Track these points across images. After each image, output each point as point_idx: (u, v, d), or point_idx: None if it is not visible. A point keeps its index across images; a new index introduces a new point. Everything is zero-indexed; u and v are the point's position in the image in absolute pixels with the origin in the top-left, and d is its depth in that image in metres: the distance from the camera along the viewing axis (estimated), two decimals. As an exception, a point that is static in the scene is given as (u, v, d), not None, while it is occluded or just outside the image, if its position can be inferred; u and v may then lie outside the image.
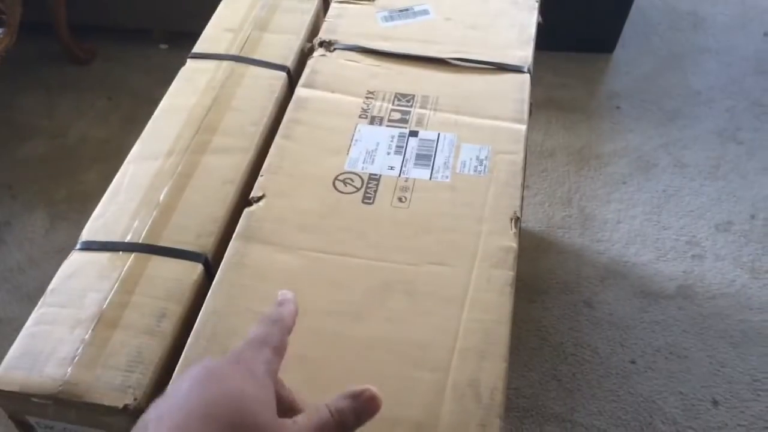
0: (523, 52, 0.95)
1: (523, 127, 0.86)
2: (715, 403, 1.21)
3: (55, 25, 1.87)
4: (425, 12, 1.02)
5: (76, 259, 0.74)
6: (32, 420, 0.66)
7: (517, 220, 0.75)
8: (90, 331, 0.67)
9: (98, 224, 0.77)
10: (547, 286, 1.36)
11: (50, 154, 1.74)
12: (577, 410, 1.20)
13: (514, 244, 0.73)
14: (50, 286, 0.72)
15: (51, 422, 0.66)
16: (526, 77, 0.92)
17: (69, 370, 0.64)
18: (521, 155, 0.83)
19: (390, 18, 1.01)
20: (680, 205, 1.53)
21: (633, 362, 1.26)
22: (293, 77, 0.97)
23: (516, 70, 0.93)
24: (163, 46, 2.02)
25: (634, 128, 1.70)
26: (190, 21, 1.93)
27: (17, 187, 1.66)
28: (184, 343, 0.67)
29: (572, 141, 1.67)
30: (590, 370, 1.25)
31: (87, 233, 0.77)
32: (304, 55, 1.00)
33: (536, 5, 1.03)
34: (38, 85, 1.91)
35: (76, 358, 0.65)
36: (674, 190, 1.56)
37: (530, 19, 1.01)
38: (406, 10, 1.02)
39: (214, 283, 0.70)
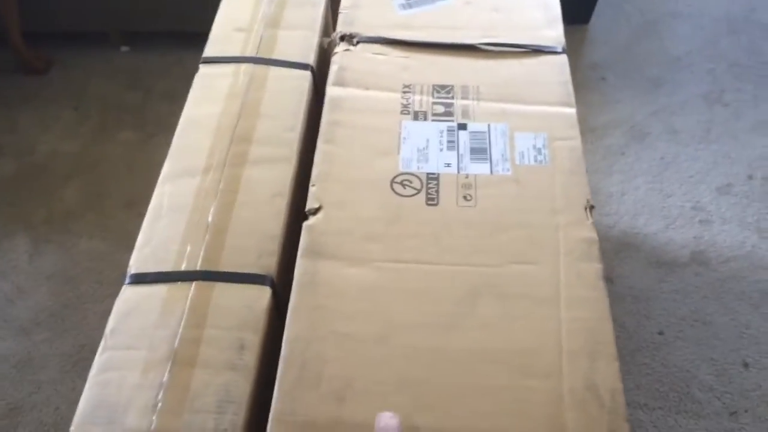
0: (554, 32, 0.92)
1: (574, 111, 0.83)
2: (746, 365, 1.22)
3: (8, 32, 1.74)
4: (443, -3, 0.98)
5: (129, 294, 0.68)
6: (112, 476, 0.61)
7: (591, 208, 0.73)
8: (167, 373, 0.61)
9: (145, 253, 0.71)
10: (564, 265, 1.35)
11: (20, 173, 1.63)
12: (614, 387, 1.19)
13: (595, 235, 0.71)
14: (109, 327, 0.66)
15: (136, 477, 0.60)
16: (564, 58, 0.89)
17: (154, 419, 0.58)
18: (579, 140, 0.80)
19: (408, 5, 0.96)
20: (679, 171, 1.53)
21: (661, 333, 1.26)
22: (316, 75, 0.92)
23: (551, 51, 0.90)
24: (124, 48, 1.91)
25: (621, 98, 1.70)
26: (149, 21, 1.85)
27: (-10, 212, 1.55)
28: (269, 374, 0.62)
29: (564, 116, 1.66)
30: (621, 346, 1.24)
31: (135, 264, 0.70)
32: (323, 51, 0.95)
33: (555, -18, 1.00)
34: (-5, 100, 1.79)
35: (159, 404, 0.59)
36: (671, 157, 1.56)
37: (553, -4, 0.98)
38: (425, -4, 0.98)
39: (290, 307, 0.65)
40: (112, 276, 1.41)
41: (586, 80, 1.76)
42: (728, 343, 1.25)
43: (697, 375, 1.21)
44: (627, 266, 1.37)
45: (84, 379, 1.24)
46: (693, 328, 1.27)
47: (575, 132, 0.81)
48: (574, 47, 1.85)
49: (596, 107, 1.68)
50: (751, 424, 1.16)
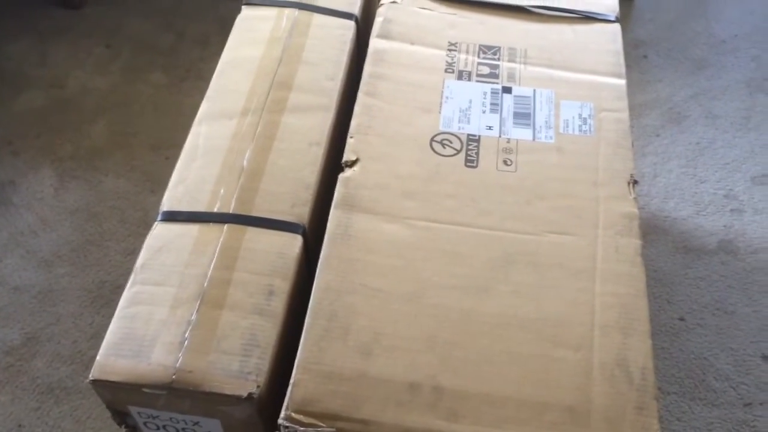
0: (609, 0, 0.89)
1: (624, 82, 0.81)
2: (765, 358, 1.20)
3: (45, -35, 1.73)
4: (496, -45, 0.95)
5: (161, 231, 0.68)
6: (134, 410, 0.61)
7: (635, 183, 0.71)
8: (195, 312, 0.61)
9: (179, 192, 0.71)
10: (590, 242, 1.33)
11: (49, 106, 1.62)
12: (629, 368, 1.19)
13: (636, 210, 0.69)
14: (139, 261, 0.65)
15: (157, 412, 0.60)
16: (617, 27, 0.87)
17: (180, 356, 0.58)
18: (627, 113, 0.78)
19: (459, -38, 0.93)
20: (715, 157, 1.50)
21: (682, 319, 1.25)
22: (360, 26, 0.90)
23: (604, 19, 0.87)
24: (161, -12, 1.88)
25: (662, 78, 1.66)
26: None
27: (18, 143, 1.54)
28: (295, 322, 0.62)
29: (601, 91, 1.62)
30: (639, 328, 1.23)
31: (168, 202, 0.70)
32: (368, 2, 0.93)
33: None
34: (28, 31, 1.77)
35: (186, 342, 0.59)
36: (708, 143, 1.53)
37: (610, -37, 0.94)
38: (477, -47, 0.95)
39: (322, 257, 0.64)
40: (135, 216, 1.41)
41: (626, 57, 1.70)
42: (749, 334, 1.23)
43: (715, 364, 1.20)
44: (653, 249, 1.35)
45: (103, 316, 1.25)
46: (714, 317, 1.25)
47: (623, 104, 0.79)
48: (617, 22, 1.81)
49: (635, 86, 1.64)
50: (766, 417, 1.15)
